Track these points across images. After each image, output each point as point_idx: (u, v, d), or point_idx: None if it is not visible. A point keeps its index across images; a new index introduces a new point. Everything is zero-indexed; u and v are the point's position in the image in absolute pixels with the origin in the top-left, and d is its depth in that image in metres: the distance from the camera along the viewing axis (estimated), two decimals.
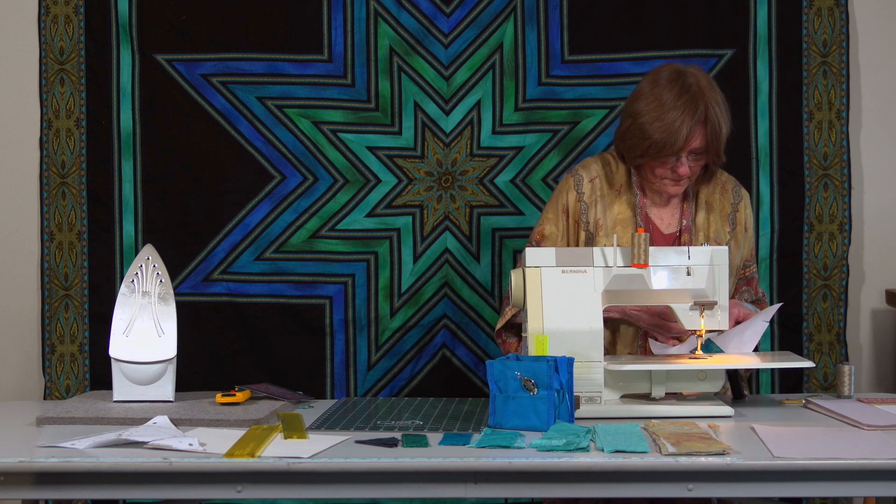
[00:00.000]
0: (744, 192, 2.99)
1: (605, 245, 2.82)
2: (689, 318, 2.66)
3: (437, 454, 2.26)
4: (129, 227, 3.54)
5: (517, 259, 3.49)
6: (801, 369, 3.46)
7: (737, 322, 2.80)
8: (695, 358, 2.65)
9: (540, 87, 3.51)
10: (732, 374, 2.83)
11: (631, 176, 2.91)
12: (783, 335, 3.49)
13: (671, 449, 2.22)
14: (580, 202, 2.90)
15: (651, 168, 2.83)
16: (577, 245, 2.88)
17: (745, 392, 2.91)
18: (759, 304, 3.00)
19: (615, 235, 2.71)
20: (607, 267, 2.63)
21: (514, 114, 3.52)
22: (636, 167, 2.89)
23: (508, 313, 2.89)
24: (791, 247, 3.50)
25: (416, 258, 3.54)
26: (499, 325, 2.94)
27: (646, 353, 2.85)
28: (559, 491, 2.26)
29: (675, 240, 2.89)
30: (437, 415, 2.62)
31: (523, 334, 2.64)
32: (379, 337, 3.55)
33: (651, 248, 2.62)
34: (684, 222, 2.90)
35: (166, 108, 3.53)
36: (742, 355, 2.76)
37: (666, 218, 2.92)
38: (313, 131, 3.52)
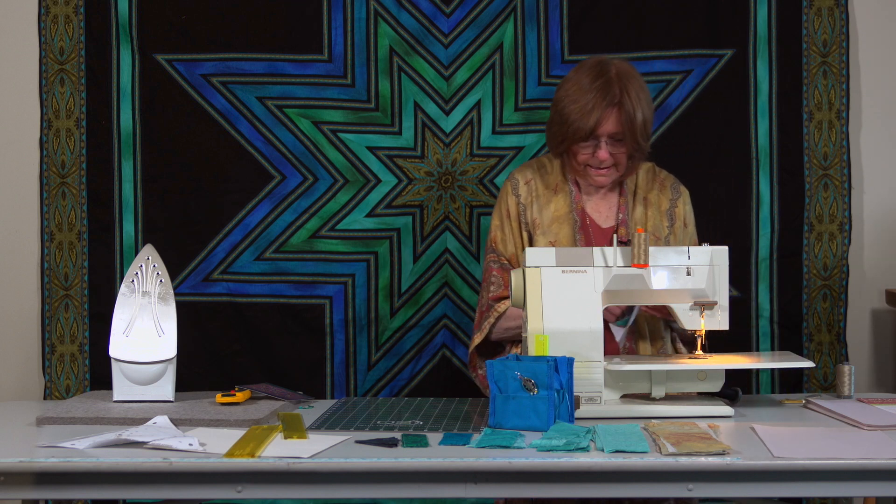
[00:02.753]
0: (683, 189, 3.02)
1: (543, 243, 2.86)
2: (689, 318, 2.66)
3: (437, 454, 2.26)
4: (129, 227, 3.54)
5: None
6: (801, 369, 3.46)
7: None
8: (695, 358, 2.65)
9: (540, 87, 3.51)
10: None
11: (566, 174, 2.95)
12: (783, 335, 3.49)
13: (671, 449, 2.22)
14: (519, 204, 2.95)
15: (574, 154, 2.87)
16: (522, 246, 2.90)
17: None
18: None
19: (553, 230, 2.74)
20: (607, 267, 2.63)
21: (514, 114, 3.52)
22: (563, 157, 2.93)
23: (486, 328, 2.89)
24: (791, 247, 3.50)
25: (416, 258, 3.54)
26: (476, 342, 2.92)
27: (632, 352, 2.86)
28: (559, 491, 2.26)
29: (614, 233, 2.90)
30: (437, 415, 2.62)
31: (523, 334, 2.64)
32: (379, 337, 3.54)
33: (651, 248, 2.62)
34: (621, 216, 2.93)
35: (166, 108, 3.52)
36: (742, 355, 2.76)
37: (603, 212, 2.95)
38: (313, 131, 3.52)
